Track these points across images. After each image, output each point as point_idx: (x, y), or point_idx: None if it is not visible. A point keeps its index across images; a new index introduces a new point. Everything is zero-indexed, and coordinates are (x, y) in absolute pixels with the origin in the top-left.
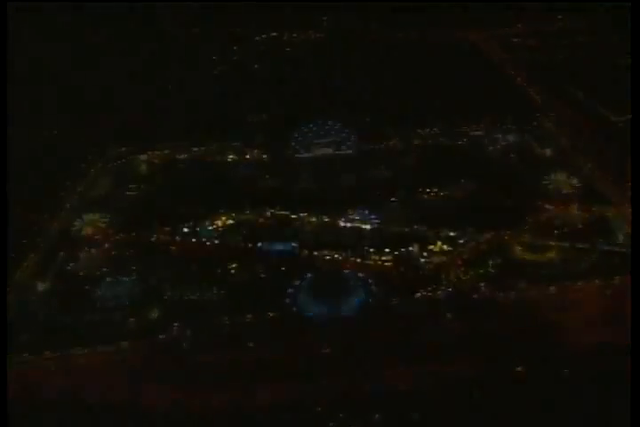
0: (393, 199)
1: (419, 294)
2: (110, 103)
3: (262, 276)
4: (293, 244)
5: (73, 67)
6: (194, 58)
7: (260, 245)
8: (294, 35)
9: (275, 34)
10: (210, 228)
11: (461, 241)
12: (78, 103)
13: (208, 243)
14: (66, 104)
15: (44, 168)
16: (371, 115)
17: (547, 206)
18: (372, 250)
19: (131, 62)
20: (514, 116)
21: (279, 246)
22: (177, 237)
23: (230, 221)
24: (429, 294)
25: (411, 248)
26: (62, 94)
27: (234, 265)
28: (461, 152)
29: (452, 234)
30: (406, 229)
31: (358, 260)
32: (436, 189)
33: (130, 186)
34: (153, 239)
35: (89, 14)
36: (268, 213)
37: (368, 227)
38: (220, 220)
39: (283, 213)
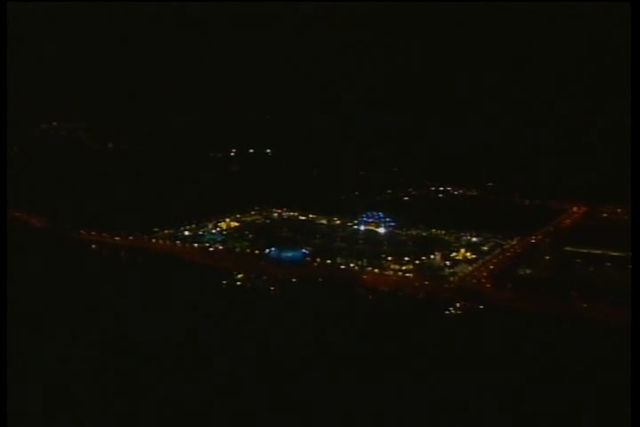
0: (406, 198)
1: (447, 312)
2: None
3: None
4: (304, 250)
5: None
6: None
7: (268, 251)
8: None
9: None
10: (213, 231)
11: (485, 248)
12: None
13: (211, 248)
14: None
15: None
16: None
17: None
18: (389, 258)
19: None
20: None
21: (289, 253)
22: (177, 242)
23: (235, 224)
24: (458, 311)
25: (432, 256)
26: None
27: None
28: None
29: (474, 240)
30: (424, 234)
31: (376, 270)
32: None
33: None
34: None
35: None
36: (275, 215)
37: (383, 230)
38: (225, 222)
39: (291, 214)
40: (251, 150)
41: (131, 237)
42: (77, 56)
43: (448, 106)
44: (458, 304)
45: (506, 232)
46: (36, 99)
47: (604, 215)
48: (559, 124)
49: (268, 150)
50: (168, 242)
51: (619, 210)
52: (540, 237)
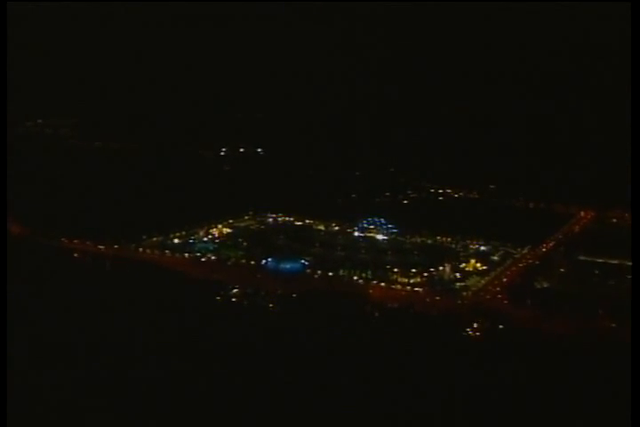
0: (405, 201)
1: (464, 333)
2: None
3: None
4: (303, 261)
5: None
6: None
7: (265, 262)
8: None
9: None
10: (205, 239)
11: (496, 257)
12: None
13: (203, 259)
14: None
15: None
16: None
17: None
18: (396, 270)
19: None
20: None
21: (287, 264)
22: (166, 251)
23: (228, 230)
24: (477, 333)
25: (441, 268)
26: None
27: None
28: None
29: (483, 248)
30: (429, 241)
31: (383, 284)
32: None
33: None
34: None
35: None
36: (270, 220)
37: (385, 238)
38: (217, 228)
39: (287, 219)
40: (241, 150)
41: (116, 246)
42: (63, 51)
43: (447, 105)
44: (475, 324)
45: (515, 240)
46: (20, 96)
47: (614, 220)
48: (562, 126)
49: (259, 150)
50: (156, 251)
51: (627, 215)
52: (551, 244)
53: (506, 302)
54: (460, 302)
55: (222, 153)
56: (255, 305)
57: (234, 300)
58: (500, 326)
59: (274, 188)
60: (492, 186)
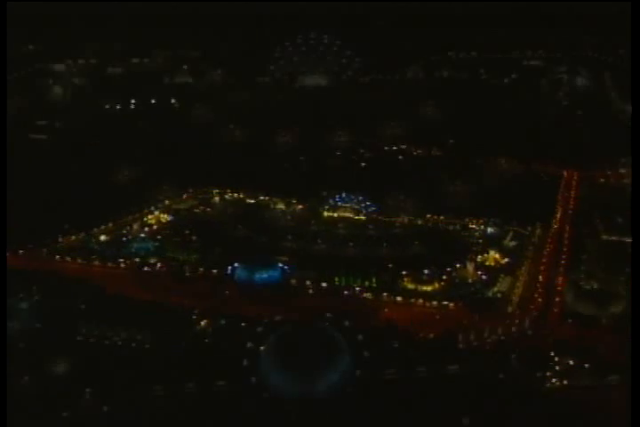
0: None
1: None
2: None
3: None
4: (281, 264)
5: None
6: None
7: (230, 269)
8: None
9: None
10: (142, 234)
11: (511, 242)
12: None
13: (146, 268)
14: None
15: None
16: None
17: None
18: (404, 272)
19: None
20: None
21: (263, 273)
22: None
23: (167, 217)
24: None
25: (458, 265)
26: None
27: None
28: None
29: (491, 229)
30: (419, 222)
31: (397, 297)
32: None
33: None
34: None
35: None
36: (217, 199)
37: (368, 220)
38: (153, 214)
39: (235, 195)
40: (153, 101)
41: (22, 251)
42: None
43: None
44: (557, 366)
45: (514, 213)
46: None
47: (602, 180)
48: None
49: (173, 101)
50: (79, 260)
51: (609, 172)
52: (559, 219)
53: (570, 320)
54: (507, 321)
55: (132, 106)
56: (238, 351)
57: (206, 341)
58: (586, 365)
59: (209, 158)
60: (451, 141)
